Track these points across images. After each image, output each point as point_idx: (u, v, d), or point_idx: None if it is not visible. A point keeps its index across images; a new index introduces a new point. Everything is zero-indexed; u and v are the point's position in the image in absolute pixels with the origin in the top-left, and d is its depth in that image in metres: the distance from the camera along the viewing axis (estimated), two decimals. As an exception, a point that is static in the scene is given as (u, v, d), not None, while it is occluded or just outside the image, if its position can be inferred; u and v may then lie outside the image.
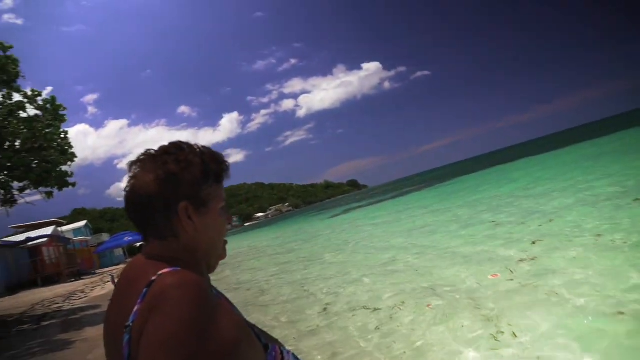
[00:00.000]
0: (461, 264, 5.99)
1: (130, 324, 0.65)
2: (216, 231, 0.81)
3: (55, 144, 10.70)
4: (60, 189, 10.90)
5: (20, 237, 23.60)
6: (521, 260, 5.29)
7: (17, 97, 10.20)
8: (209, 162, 0.80)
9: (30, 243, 22.47)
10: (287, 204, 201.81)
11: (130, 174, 0.77)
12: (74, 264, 26.50)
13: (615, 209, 6.77)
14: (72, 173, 11.16)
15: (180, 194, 0.75)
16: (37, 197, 11.19)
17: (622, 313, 3.17)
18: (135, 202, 0.75)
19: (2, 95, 9.97)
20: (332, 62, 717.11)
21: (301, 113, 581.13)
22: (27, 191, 10.69)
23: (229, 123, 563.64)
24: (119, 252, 35.52)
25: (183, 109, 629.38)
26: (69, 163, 11.13)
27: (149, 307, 0.64)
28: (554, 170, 17.63)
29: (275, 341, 0.89)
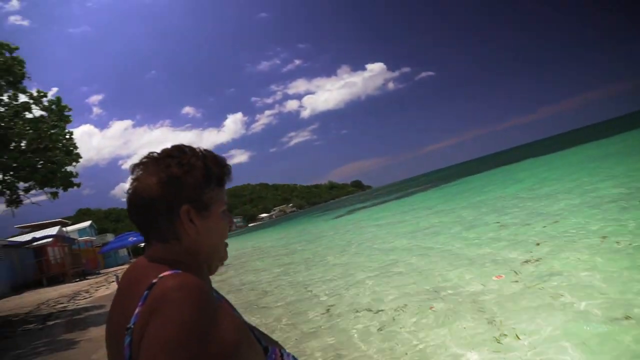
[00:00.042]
0: (465, 265, 5.95)
1: (132, 326, 0.65)
2: (218, 234, 0.82)
3: (61, 144, 10.80)
4: (65, 189, 10.99)
5: (26, 237, 23.77)
6: (526, 262, 5.25)
7: (22, 98, 10.32)
8: (211, 165, 0.81)
9: (35, 243, 22.61)
10: (291, 205, 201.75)
11: (133, 177, 0.78)
12: (78, 264, 26.70)
13: (620, 210, 6.71)
14: (77, 173, 11.26)
15: (182, 197, 0.76)
16: (43, 197, 11.33)
17: (628, 317, 3.10)
18: (138, 204, 0.76)
19: (8, 96, 10.07)
20: (336, 62, 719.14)
21: (305, 114, 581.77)
22: (33, 191, 10.79)
23: (233, 124, 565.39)
24: (123, 252, 35.65)
25: (187, 109, 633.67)
26: (74, 163, 11.23)
27: (149, 309, 0.64)
28: (560, 171, 17.54)
29: (276, 343, 0.89)
